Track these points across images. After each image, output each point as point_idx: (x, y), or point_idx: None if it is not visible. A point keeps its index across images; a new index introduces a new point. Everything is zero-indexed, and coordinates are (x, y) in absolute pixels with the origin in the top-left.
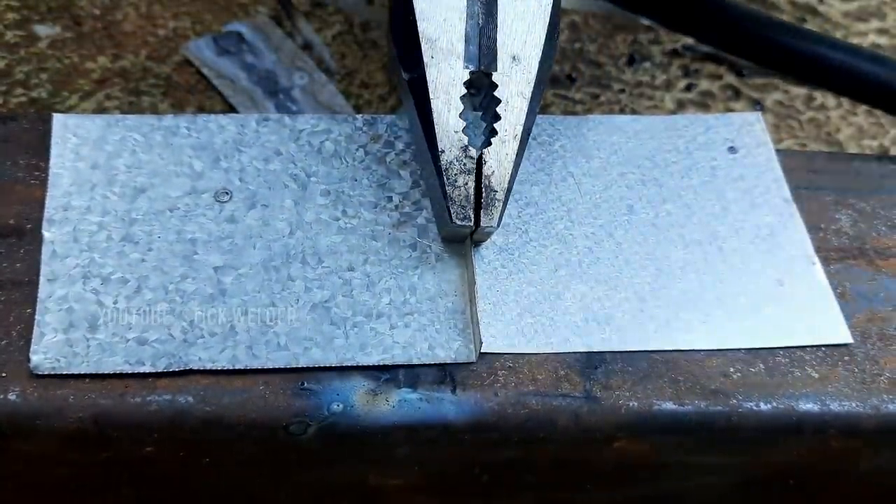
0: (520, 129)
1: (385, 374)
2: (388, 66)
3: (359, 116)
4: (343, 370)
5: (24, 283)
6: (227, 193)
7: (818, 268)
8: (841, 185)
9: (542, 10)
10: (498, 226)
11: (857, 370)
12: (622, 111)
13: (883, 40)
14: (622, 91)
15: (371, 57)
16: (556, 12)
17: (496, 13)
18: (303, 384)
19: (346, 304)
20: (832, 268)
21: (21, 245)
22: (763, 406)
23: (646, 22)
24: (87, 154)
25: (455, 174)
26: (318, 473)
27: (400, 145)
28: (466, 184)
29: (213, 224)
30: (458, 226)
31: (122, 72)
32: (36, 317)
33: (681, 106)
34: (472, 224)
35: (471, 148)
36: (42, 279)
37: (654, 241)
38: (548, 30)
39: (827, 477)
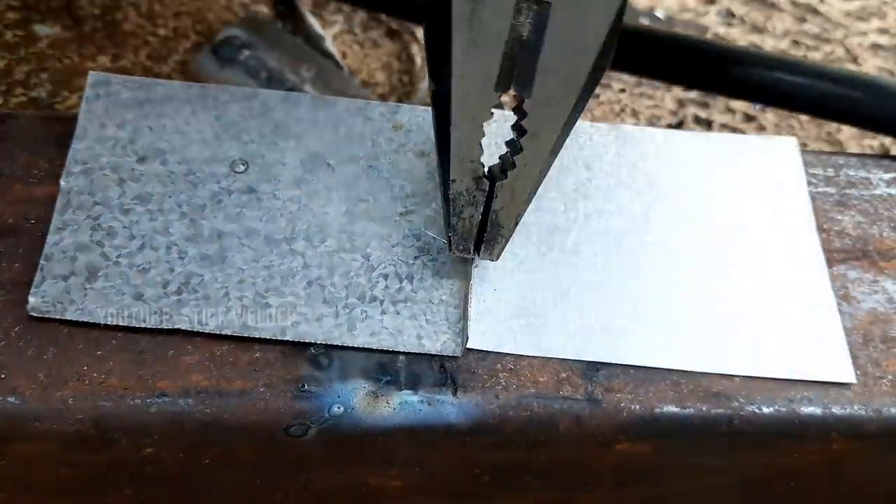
0: (542, 165)
1: (386, 377)
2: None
3: (382, 104)
4: (344, 372)
5: (24, 284)
6: (243, 164)
7: (832, 303)
8: (843, 186)
9: (598, 32)
10: (496, 259)
11: (859, 373)
12: (622, 111)
13: (883, 39)
14: (622, 91)
15: (371, 56)
16: (614, 35)
17: (545, 28)
18: (303, 386)
19: (342, 285)
20: (835, 269)
21: (20, 245)
22: (765, 409)
23: (645, 22)
24: (115, 112)
25: (462, 205)
26: (319, 475)
27: (420, 136)
28: (472, 216)
29: (224, 192)
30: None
31: (122, 71)
32: (41, 261)
33: (681, 105)
34: (470, 255)
35: (483, 180)
36: (52, 226)
37: (665, 258)
38: (597, 56)
39: (828, 479)
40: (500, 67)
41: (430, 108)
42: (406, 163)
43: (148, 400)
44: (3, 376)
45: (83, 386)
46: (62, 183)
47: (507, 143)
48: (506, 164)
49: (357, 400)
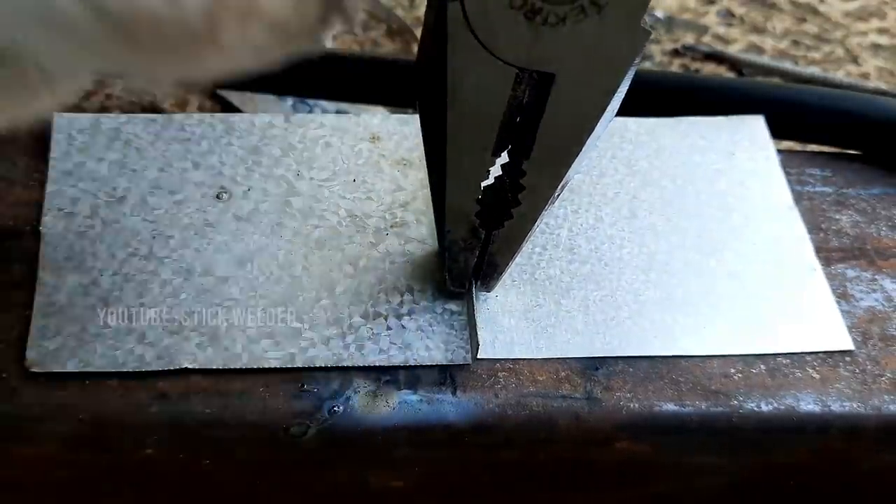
0: (539, 212)
1: (385, 376)
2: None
3: (361, 115)
4: (344, 372)
5: (23, 286)
6: (226, 192)
7: (819, 274)
8: (841, 185)
9: (604, 97)
10: (491, 291)
11: (857, 371)
12: None
13: (883, 40)
14: None
15: None
16: (621, 97)
17: (548, 93)
18: (303, 386)
19: (344, 304)
20: (833, 268)
21: (20, 247)
22: (764, 407)
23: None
24: (86, 153)
25: (458, 251)
26: (319, 475)
27: (397, 144)
28: (467, 260)
29: (211, 224)
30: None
31: None
32: (33, 314)
33: None
34: (464, 290)
35: (480, 230)
36: (39, 276)
37: (655, 246)
38: (602, 119)
39: (828, 477)
40: (496, 135)
41: (402, 115)
42: (388, 173)
43: (148, 401)
44: (3, 375)
45: (84, 385)
46: (42, 230)
47: (503, 196)
48: (502, 215)
49: (357, 399)
